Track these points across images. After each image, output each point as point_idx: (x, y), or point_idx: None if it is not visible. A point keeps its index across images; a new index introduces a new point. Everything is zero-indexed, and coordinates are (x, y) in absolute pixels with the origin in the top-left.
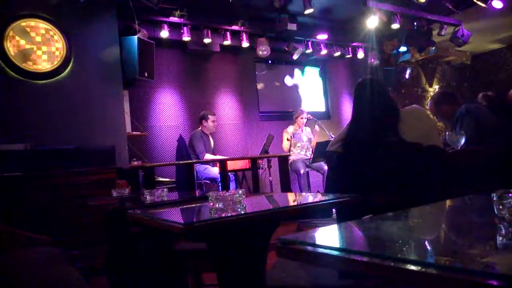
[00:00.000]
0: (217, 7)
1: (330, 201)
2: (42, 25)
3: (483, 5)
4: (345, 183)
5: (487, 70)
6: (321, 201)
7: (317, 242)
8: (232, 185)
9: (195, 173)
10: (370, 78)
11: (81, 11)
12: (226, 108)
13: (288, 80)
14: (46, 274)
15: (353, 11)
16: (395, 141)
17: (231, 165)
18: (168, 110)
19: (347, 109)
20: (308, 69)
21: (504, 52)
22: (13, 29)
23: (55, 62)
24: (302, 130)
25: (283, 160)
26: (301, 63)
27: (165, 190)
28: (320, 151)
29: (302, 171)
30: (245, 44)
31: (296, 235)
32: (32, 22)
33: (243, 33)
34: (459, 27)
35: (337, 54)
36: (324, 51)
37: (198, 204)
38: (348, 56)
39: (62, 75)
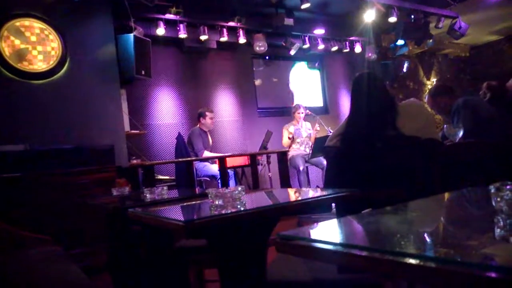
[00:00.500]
0: (213, 4)
1: (329, 196)
2: (37, 25)
3: None
4: (344, 178)
5: (485, 62)
6: (321, 196)
7: (317, 237)
8: (232, 181)
9: (194, 171)
10: (367, 72)
11: (76, 9)
12: (224, 105)
13: (285, 76)
14: (46, 272)
15: (350, 5)
16: (393, 135)
17: (230, 162)
18: (166, 108)
19: (345, 104)
20: (306, 64)
21: (502, 43)
22: (7, 29)
23: (51, 62)
24: (301, 126)
25: (282, 156)
26: (299, 58)
27: (165, 188)
28: (319, 146)
29: (301, 167)
30: (242, 40)
31: (295, 230)
32: (27, 22)
33: (240, 29)
34: (456, 20)
35: (335, 48)
36: (321, 46)
37: (198, 201)
38: (345, 50)
39: (59, 74)
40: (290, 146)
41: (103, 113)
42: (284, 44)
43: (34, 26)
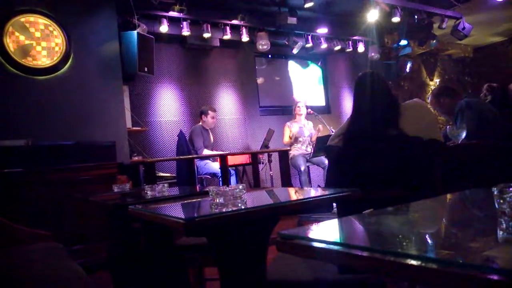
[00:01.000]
0: (216, 1)
1: (330, 196)
2: (41, 21)
3: None
4: (346, 177)
5: (488, 63)
6: (321, 195)
7: (317, 237)
8: (233, 180)
9: (195, 168)
10: (370, 72)
11: (80, 6)
12: (226, 103)
13: (288, 75)
14: (46, 269)
15: (354, 5)
16: (395, 135)
17: (231, 160)
18: (168, 105)
19: (347, 103)
20: (308, 63)
21: (506, 45)
22: (12, 25)
23: (55, 58)
24: (304, 125)
25: (284, 154)
26: (301, 57)
27: (165, 185)
28: (321, 145)
29: (303, 168)
30: (245, 38)
31: (296, 229)
32: (31, 18)
33: (243, 28)
34: (460, 20)
35: (337, 48)
36: (324, 45)
37: (198, 199)
38: (348, 50)
39: (62, 70)
40: (291, 145)
41: (105, 110)
42: (287, 43)
43: (38, 22)
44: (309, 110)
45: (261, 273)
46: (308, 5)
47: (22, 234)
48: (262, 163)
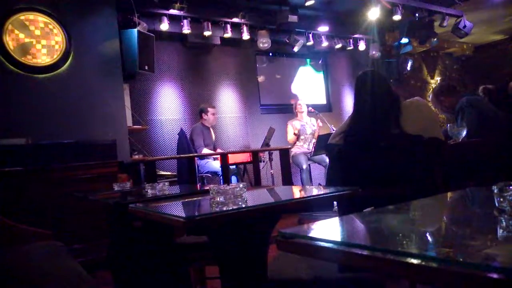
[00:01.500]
0: None
1: (331, 194)
2: (41, 19)
3: None
4: (347, 176)
5: (489, 61)
6: (322, 194)
7: (318, 236)
8: (234, 178)
9: (196, 167)
10: (371, 70)
11: (80, 4)
12: (227, 101)
13: (289, 73)
14: (47, 267)
15: (354, 3)
16: (396, 133)
17: (232, 159)
18: (168, 104)
19: (348, 102)
20: (309, 62)
21: (507, 43)
22: (12, 23)
23: (55, 56)
24: (306, 122)
25: (285, 153)
26: (302, 56)
27: (166, 183)
28: (322, 143)
29: (304, 166)
30: (246, 36)
31: (296, 228)
32: (31, 16)
33: (244, 26)
34: (461, 18)
35: (338, 46)
36: (325, 43)
37: (199, 198)
38: (349, 48)
39: (62, 68)
40: (295, 143)
41: (106, 108)
42: (287, 41)
43: (38, 20)
44: (310, 108)
45: (262, 271)
46: (309, 3)
47: (22, 233)
48: (263, 162)
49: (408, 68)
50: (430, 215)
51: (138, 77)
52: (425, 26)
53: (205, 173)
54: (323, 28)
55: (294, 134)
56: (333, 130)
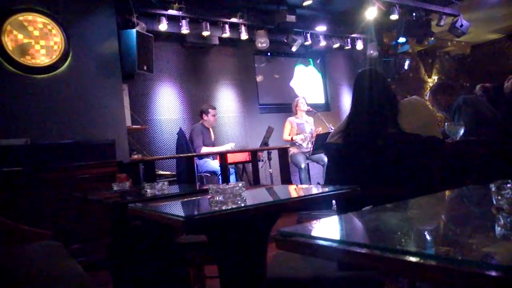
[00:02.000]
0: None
1: (330, 193)
2: (40, 19)
3: None
4: (345, 175)
5: (487, 60)
6: (321, 193)
7: (317, 234)
8: (233, 177)
9: (195, 166)
10: (369, 69)
11: (79, 4)
12: (226, 101)
13: (287, 72)
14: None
15: (352, 3)
16: (394, 132)
17: (231, 158)
18: (167, 104)
19: (346, 101)
20: (307, 61)
21: (503, 42)
22: (10, 23)
23: (54, 57)
24: (306, 121)
25: (283, 152)
26: (300, 55)
27: (165, 183)
28: (320, 142)
29: (303, 165)
30: (244, 36)
31: (295, 227)
32: (30, 16)
33: (242, 26)
34: (458, 18)
35: (336, 45)
36: (323, 43)
37: (198, 197)
38: (347, 47)
39: (61, 69)
40: (291, 139)
41: (105, 108)
42: (286, 41)
43: (37, 21)
44: (308, 107)
45: (261, 270)
46: (306, 3)
47: (22, 232)
48: (262, 161)
49: (406, 67)
50: (429, 213)
51: (137, 77)
52: (422, 25)
53: (204, 172)
54: (321, 28)
55: (289, 135)
56: (332, 129)
